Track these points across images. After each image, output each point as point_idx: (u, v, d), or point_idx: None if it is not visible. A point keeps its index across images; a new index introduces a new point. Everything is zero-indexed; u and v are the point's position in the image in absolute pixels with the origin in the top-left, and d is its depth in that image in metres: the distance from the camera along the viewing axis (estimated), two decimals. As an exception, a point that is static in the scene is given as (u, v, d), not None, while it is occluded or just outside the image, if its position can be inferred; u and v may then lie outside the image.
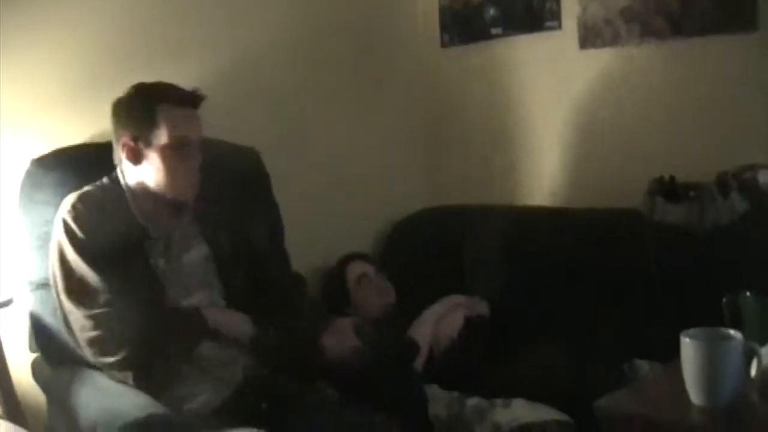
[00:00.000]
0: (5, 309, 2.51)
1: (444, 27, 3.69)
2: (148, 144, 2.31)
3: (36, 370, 2.60)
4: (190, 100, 2.34)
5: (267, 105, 3.22)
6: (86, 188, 2.39)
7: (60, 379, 2.45)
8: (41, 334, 2.54)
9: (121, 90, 2.69)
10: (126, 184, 2.39)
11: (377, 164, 3.62)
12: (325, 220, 3.31)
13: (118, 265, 2.26)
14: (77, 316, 2.27)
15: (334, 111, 3.48)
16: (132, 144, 2.33)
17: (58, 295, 2.32)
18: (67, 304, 2.29)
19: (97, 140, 2.78)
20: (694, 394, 1.74)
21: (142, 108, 2.32)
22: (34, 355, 2.62)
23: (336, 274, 3.21)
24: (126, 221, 2.34)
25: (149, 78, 2.83)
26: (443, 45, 3.70)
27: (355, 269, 3.19)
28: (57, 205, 2.54)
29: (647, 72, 3.12)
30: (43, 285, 2.53)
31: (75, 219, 2.29)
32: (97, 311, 2.25)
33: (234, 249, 2.47)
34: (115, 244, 2.28)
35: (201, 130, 2.38)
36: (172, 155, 2.31)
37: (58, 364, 2.50)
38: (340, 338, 2.49)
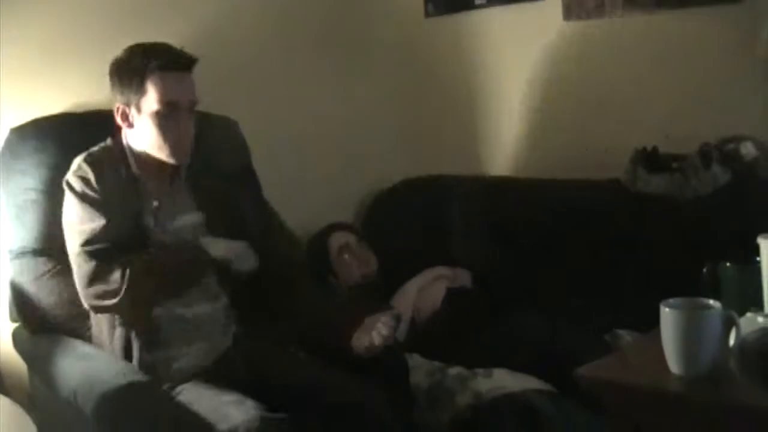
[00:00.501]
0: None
1: (427, -4, 3.67)
2: (139, 110, 2.33)
3: (17, 340, 2.59)
4: (180, 63, 2.33)
5: (243, 75, 3.20)
6: (92, 149, 2.41)
7: (40, 347, 2.46)
8: (21, 303, 2.54)
9: (100, 60, 2.67)
10: (127, 143, 2.41)
11: (359, 134, 3.61)
12: (307, 190, 3.30)
13: (114, 223, 2.29)
14: (80, 261, 2.29)
15: (314, 81, 3.46)
16: (125, 109, 2.35)
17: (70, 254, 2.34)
18: (74, 257, 2.31)
19: (76, 110, 2.77)
20: (673, 363, 1.75)
21: (132, 74, 2.32)
22: (14, 325, 2.61)
23: (318, 244, 3.20)
24: (124, 179, 2.36)
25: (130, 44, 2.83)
26: (427, 14, 3.67)
27: (338, 239, 3.18)
28: (35, 175, 2.55)
29: (631, 44, 3.11)
30: (23, 253, 2.53)
31: (79, 177, 2.32)
32: (98, 247, 2.27)
33: (225, 219, 2.48)
34: (113, 199, 2.31)
35: (193, 93, 2.37)
36: (162, 121, 2.31)
37: (39, 333, 2.51)
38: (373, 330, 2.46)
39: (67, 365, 2.29)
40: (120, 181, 2.35)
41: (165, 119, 2.31)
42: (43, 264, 2.54)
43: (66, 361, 2.30)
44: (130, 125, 2.36)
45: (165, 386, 2.26)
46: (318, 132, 3.45)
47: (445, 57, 3.65)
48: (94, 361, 2.27)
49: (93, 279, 2.27)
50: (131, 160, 2.38)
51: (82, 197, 2.31)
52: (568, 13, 3.22)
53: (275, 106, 3.30)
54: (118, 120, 2.38)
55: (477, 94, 3.58)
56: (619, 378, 1.81)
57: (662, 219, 2.79)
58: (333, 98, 3.53)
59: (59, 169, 2.55)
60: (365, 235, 3.31)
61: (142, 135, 2.35)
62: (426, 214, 3.42)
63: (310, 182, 3.36)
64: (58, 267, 2.51)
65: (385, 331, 2.38)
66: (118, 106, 2.37)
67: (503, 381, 2.49)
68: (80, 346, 2.37)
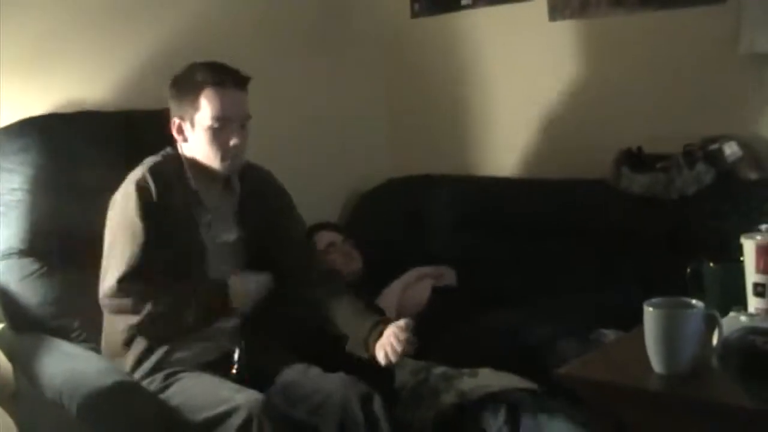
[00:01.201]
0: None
1: (414, -3, 3.68)
2: (193, 124, 2.40)
3: (2, 339, 2.59)
4: (233, 81, 2.40)
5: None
6: (153, 158, 2.43)
7: (26, 347, 2.45)
8: (7, 303, 2.54)
9: (87, 59, 2.68)
10: (184, 155, 2.45)
11: (345, 134, 3.62)
12: (293, 189, 3.29)
13: (171, 233, 2.33)
14: (114, 292, 2.30)
15: (300, 80, 3.46)
16: (180, 122, 2.42)
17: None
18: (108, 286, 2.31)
19: (63, 110, 2.77)
20: (656, 362, 1.76)
21: (188, 90, 2.39)
22: (0, 325, 2.61)
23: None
24: (185, 193, 2.41)
25: (115, 47, 2.83)
26: (413, 15, 3.68)
27: (323, 238, 3.18)
28: (22, 173, 2.54)
29: (616, 44, 3.14)
30: (9, 254, 2.53)
31: (144, 188, 2.33)
32: (133, 286, 2.29)
33: (265, 232, 2.52)
34: (174, 213, 2.36)
35: (246, 110, 2.44)
36: (214, 135, 2.38)
37: (24, 333, 2.50)
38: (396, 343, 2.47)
39: (52, 365, 2.29)
40: (181, 195, 2.39)
41: (217, 133, 2.38)
42: (29, 264, 2.54)
43: (51, 361, 2.30)
44: (185, 139, 2.43)
45: (165, 372, 2.27)
46: (304, 131, 3.46)
47: (432, 57, 3.66)
48: (79, 361, 2.28)
49: (120, 311, 2.31)
50: (189, 173, 2.43)
51: (143, 210, 2.32)
52: (554, 13, 3.24)
53: (261, 105, 3.28)
54: (174, 133, 2.43)
55: (463, 94, 3.58)
56: (601, 376, 1.82)
57: (647, 219, 2.80)
58: (319, 98, 3.54)
59: (46, 168, 2.56)
60: (350, 234, 3.32)
61: (196, 148, 2.41)
62: (411, 213, 3.44)
63: (296, 181, 3.34)
64: (45, 268, 2.52)
65: (399, 349, 2.39)
66: (174, 120, 2.42)
67: (488, 380, 2.49)
68: (65, 346, 2.37)
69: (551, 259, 3.01)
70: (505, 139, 3.47)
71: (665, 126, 3.00)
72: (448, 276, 3.14)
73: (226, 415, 2.07)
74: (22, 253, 2.55)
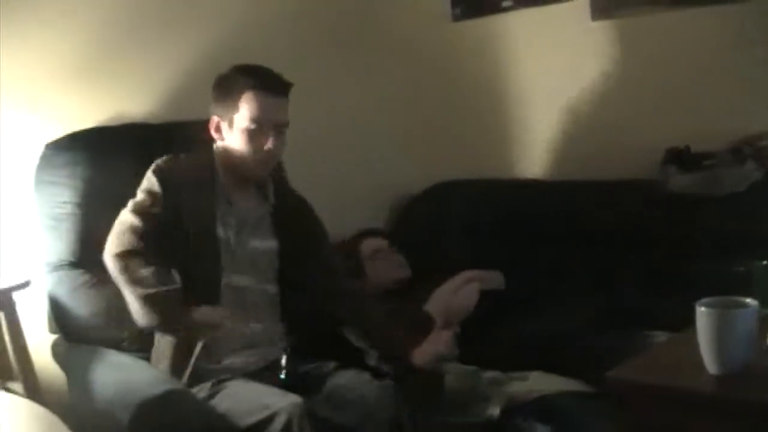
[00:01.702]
0: (23, 291, 2.53)
1: (455, 1, 3.66)
2: (231, 124, 2.44)
3: (56, 351, 2.63)
4: (274, 86, 2.44)
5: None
6: (181, 154, 2.49)
7: (78, 358, 2.48)
8: (59, 314, 2.58)
9: (131, 73, 2.70)
10: (218, 157, 2.49)
11: (389, 139, 3.62)
12: (337, 196, 3.31)
13: (182, 225, 2.37)
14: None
15: (343, 87, 3.47)
16: (218, 122, 2.47)
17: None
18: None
19: (110, 123, 2.80)
20: (709, 363, 1.74)
21: (229, 90, 2.44)
22: (53, 336, 2.64)
23: (350, 250, 3.21)
24: (207, 188, 2.44)
25: (158, 60, 2.86)
26: (454, 19, 3.67)
27: (369, 245, 3.19)
28: (71, 187, 2.58)
29: (659, 42, 3.10)
30: (60, 266, 2.57)
31: (156, 174, 2.41)
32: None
33: (298, 246, 2.54)
34: (187, 206, 2.39)
35: (285, 117, 2.46)
36: (250, 137, 2.41)
37: (76, 344, 2.54)
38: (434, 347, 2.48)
39: (104, 375, 2.31)
40: (199, 190, 2.42)
41: (253, 135, 2.41)
42: (79, 276, 2.58)
43: (103, 371, 2.33)
44: (222, 138, 2.47)
45: (211, 382, 2.28)
46: (347, 138, 3.46)
47: (475, 60, 3.65)
48: (130, 371, 2.30)
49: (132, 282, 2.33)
50: (219, 169, 2.47)
51: (160, 178, 2.39)
52: (596, 12, 3.21)
53: (304, 113, 3.30)
54: (212, 131, 2.48)
55: (507, 96, 3.57)
56: (651, 379, 1.80)
57: (695, 218, 2.77)
58: (363, 104, 3.54)
59: (94, 181, 2.59)
60: (396, 240, 3.32)
61: (231, 148, 2.45)
62: (457, 217, 3.42)
63: (340, 188, 3.37)
64: (95, 279, 2.54)
65: (445, 351, 2.42)
66: (213, 118, 2.47)
67: (538, 384, 2.48)
68: (116, 356, 2.39)
69: (598, 262, 2.98)
70: (548, 141, 3.44)
71: (709, 123, 2.96)
72: (496, 279, 3.12)
73: (268, 421, 2.08)
74: (73, 265, 2.59)
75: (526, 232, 3.20)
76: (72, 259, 2.59)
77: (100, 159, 2.63)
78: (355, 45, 3.54)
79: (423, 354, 2.45)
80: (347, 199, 3.39)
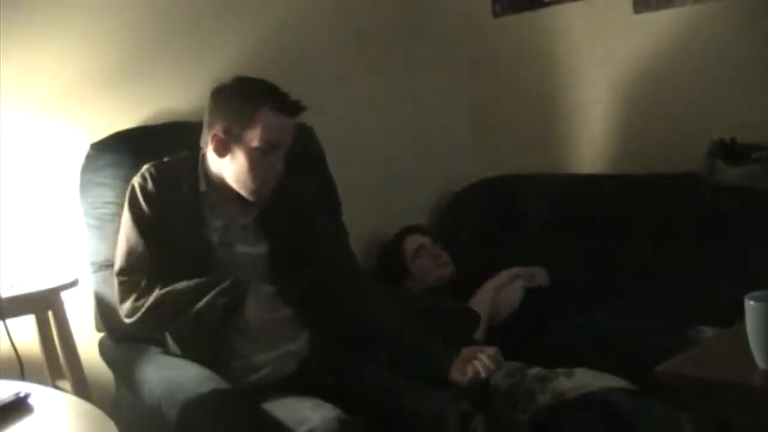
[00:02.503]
0: (71, 290, 2.56)
1: (496, -3, 3.66)
2: (238, 140, 2.29)
3: (102, 349, 2.65)
4: (290, 108, 2.31)
5: (313, 77, 3.22)
6: (165, 159, 2.43)
7: (125, 356, 2.50)
8: (105, 313, 2.59)
9: (172, 72, 2.72)
10: (205, 166, 2.39)
11: (433, 135, 3.62)
12: (382, 193, 3.32)
13: (174, 234, 2.31)
14: (115, 284, 2.35)
15: (386, 83, 3.48)
16: (222, 136, 2.31)
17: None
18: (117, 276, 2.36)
19: (152, 122, 2.83)
20: (759, 357, 1.71)
21: (243, 104, 2.29)
22: (100, 334, 2.67)
23: (393, 247, 3.21)
24: (188, 193, 2.36)
25: (200, 58, 2.88)
26: (495, 14, 3.67)
27: (412, 242, 3.19)
28: (115, 187, 2.60)
29: (703, 33, 3.07)
30: (105, 266, 2.59)
31: (141, 187, 2.35)
32: (131, 278, 2.32)
33: (292, 246, 2.44)
34: (176, 213, 2.33)
35: (291, 137, 2.35)
36: (258, 157, 2.29)
37: (123, 342, 2.55)
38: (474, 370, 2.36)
39: (151, 373, 2.32)
40: (182, 195, 2.36)
41: (261, 156, 2.30)
42: (124, 275, 2.59)
43: (149, 369, 2.34)
44: (222, 154, 2.32)
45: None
46: (392, 134, 3.47)
47: (516, 55, 3.64)
48: (177, 369, 2.30)
49: (120, 301, 2.34)
50: (201, 176, 2.38)
51: (135, 213, 2.34)
52: (638, 5, 3.19)
53: (347, 110, 3.32)
54: (210, 148, 2.33)
55: (549, 91, 3.56)
56: (701, 373, 1.78)
57: (741, 211, 2.73)
58: (406, 100, 3.54)
59: (138, 181, 2.60)
60: (441, 237, 3.31)
61: (231, 165, 2.32)
62: (502, 213, 3.42)
63: (385, 184, 3.38)
64: (139, 278, 2.55)
65: (492, 366, 2.33)
66: (214, 133, 2.31)
67: (584, 380, 2.46)
68: (162, 354, 2.41)
69: (643, 256, 2.96)
70: (592, 136, 3.43)
71: (756, 115, 2.92)
72: (541, 276, 3.11)
73: None
74: (117, 264, 2.60)
75: (571, 227, 3.19)
76: (116, 258, 2.60)
77: (144, 158, 2.64)
78: (397, 43, 3.54)
79: (462, 373, 2.32)
80: (391, 196, 3.40)
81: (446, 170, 3.66)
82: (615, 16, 3.26)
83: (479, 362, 2.27)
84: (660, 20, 3.15)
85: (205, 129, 2.37)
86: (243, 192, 2.34)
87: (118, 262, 2.35)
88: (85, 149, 2.68)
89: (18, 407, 1.72)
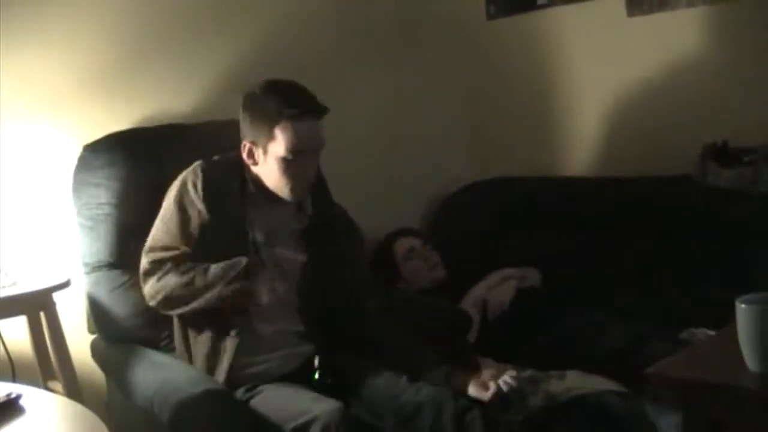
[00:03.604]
0: (63, 291, 2.56)
1: (490, -1, 3.66)
2: (266, 151, 2.35)
3: (95, 350, 2.65)
4: (310, 112, 2.34)
5: (306, 78, 3.20)
6: (215, 157, 2.46)
7: (117, 357, 2.51)
8: (98, 314, 2.60)
9: (168, 74, 2.72)
10: (248, 168, 2.43)
11: (423, 138, 3.62)
12: (374, 195, 3.31)
13: (219, 231, 2.35)
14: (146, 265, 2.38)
15: (378, 85, 3.48)
16: (252, 147, 2.37)
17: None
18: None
19: (147, 124, 2.82)
20: (750, 360, 1.71)
21: (264, 117, 2.33)
22: (92, 336, 2.67)
23: (384, 250, 3.21)
24: (240, 195, 2.41)
25: (195, 60, 2.87)
26: (489, 17, 3.66)
27: (403, 244, 3.19)
28: (109, 188, 2.60)
29: (697, 37, 3.07)
30: (98, 267, 2.59)
31: (192, 182, 2.38)
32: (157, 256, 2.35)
33: (328, 267, 2.48)
34: (224, 211, 2.37)
35: (322, 138, 2.38)
36: (287, 165, 2.34)
37: (115, 343, 2.56)
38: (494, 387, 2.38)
39: (143, 374, 2.33)
40: (231, 194, 2.39)
41: (290, 164, 2.33)
42: (118, 276, 2.60)
43: (142, 370, 2.35)
44: (255, 163, 2.38)
45: (245, 387, 2.29)
46: (385, 136, 3.47)
47: (510, 58, 3.64)
48: (170, 370, 2.31)
49: (144, 279, 2.37)
50: (249, 178, 2.42)
51: (180, 205, 2.37)
52: (632, 8, 3.19)
53: (340, 111, 3.30)
54: (244, 156, 2.39)
55: (543, 94, 3.55)
56: (692, 375, 1.78)
57: (733, 214, 2.74)
58: (398, 102, 3.54)
59: (131, 182, 2.60)
60: (433, 239, 3.31)
61: (264, 172, 2.38)
62: (494, 215, 3.41)
63: (378, 186, 3.37)
64: (133, 279, 2.54)
65: (512, 383, 2.36)
66: (245, 144, 2.38)
67: (576, 382, 2.46)
68: (155, 356, 2.41)
69: (635, 258, 2.96)
70: (585, 138, 3.43)
71: (748, 119, 2.93)
72: (533, 277, 3.11)
73: (306, 426, 2.07)
74: (111, 265, 2.60)
75: (563, 229, 3.19)
76: (110, 259, 2.61)
77: (138, 160, 2.65)
78: (391, 45, 3.54)
79: (480, 389, 2.34)
80: (384, 198, 3.39)
81: (440, 172, 3.66)
82: (609, 18, 3.26)
83: (502, 381, 2.31)
84: (654, 23, 3.15)
85: (241, 135, 2.41)
86: (281, 194, 2.39)
87: (150, 240, 2.38)
88: (78, 151, 2.68)
89: (9, 408, 1.71)
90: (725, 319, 1.79)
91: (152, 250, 2.37)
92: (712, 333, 2.42)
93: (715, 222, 2.78)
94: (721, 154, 2.86)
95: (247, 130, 2.38)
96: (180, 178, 2.41)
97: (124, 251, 2.58)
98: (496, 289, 3.03)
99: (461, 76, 3.74)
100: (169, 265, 2.32)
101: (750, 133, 2.84)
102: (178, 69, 2.95)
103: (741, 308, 1.71)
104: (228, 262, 2.29)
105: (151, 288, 2.35)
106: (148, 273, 2.36)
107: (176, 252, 2.34)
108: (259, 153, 2.36)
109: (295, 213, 2.47)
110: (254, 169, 2.40)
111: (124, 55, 2.84)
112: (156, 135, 2.76)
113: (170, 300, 2.32)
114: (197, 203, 2.35)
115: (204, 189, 2.35)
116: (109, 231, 2.60)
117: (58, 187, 2.69)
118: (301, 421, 2.09)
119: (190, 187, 2.37)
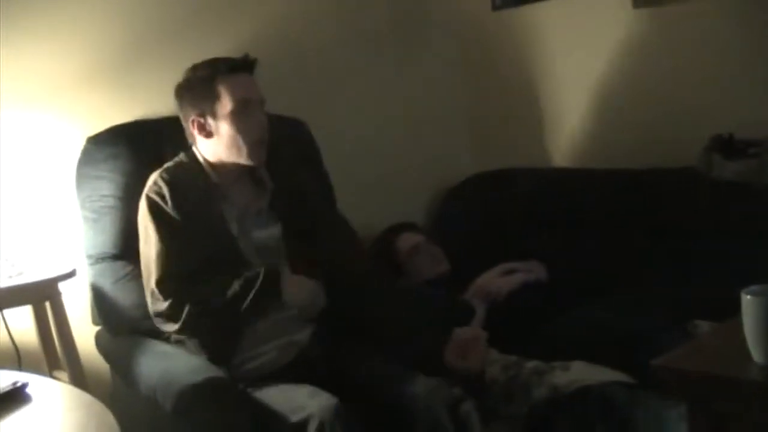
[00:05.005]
0: (69, 281, 2.56)
1: (495, -10, 3.65)
2: (215, 115, 2.42)
3: (99, 341, 2.66)
4: (242, 66, 2.45)
5: (308, 72, 3.22)
6: (166, 165, 2.48)
7: (121, 348, 2.52)
8: (102, 306, 2.61)
9: (170, 66, 2.71)
10: (204, 159, 2.47)
11: (424, 132, 3.61)
12: (375, 188, 3.31)
13: (199, 233, 2.36)
14: (153, 297, 2.37)
15: (379, 78, 3.48)
16: (201, 120, 2.44)
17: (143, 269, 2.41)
18: (147, 289, 2.39)
19: (149, 116, 2.82)
20: (755, 352, 1.71)
21: (203, 84, 2.43)
22: (97, 327, 2.68)
23: (386, 246, 3.19)
24: (205, 190, 2.43)
25: (196, 53, 2.87)
26: (494, 7, 3.65)
27: (407, 241, 3.17)
28: (112, 180, 2.61)
29: (703, 28, 3.06)
30: (102, 258, 2.59)
31: (157, 194, 2.39)
32: (169, 286, 2.33)
33: (303, 226, 2.52)
34: (196, 211, 2.39)
35: (261, 93, 2.48)
36: (239, 119, 2.41)
37: (120, 334, 2.56)
38: (464, 353, 2.42)
39: (146, 364, 2.34)
40: (199, 193, 2.41)
41: (241, 116, 2.40)
42: (121, 268, 2.61)
43: (145, 360, 2.35)
44: (208, 134, 2.44)
45: (243, 384, 2.29)
46: (384, 129, 3.46)
47: (514, 50, 3.63)
48: (173, 360, 2.32)
49: (160, 316, 2.35)
50: (209, 170, 2.45)
51: (157, 222, 2.37)
52: (637, 0, 3.18)
53: (340, 106, 3.31)
54: (195, 133, 2.46)
55: (547, 86, 3.54)
56: (697, 367, 1.78)
57: (738, 206, 2.74)
58: (398, 96, 3.54)
59: (135, 175, 2.60)
60: (436, 231, 3.30)
61: (220, 140, 2.43)
62: (496, 208, 3.41)
63: (379, 180, 3.37)
64: (136, 270, 2.54)
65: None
66: (192, 120, 2.45)
67: (581, 374, 2.46)
68: (159, 346, 2.41)
69: (640, 251, 2.96)
70: (589, 130, 3.42)
71: (753, 111, 2.92)
72: (538, 270, 3.11)
73: (304, 423, 2.08)
74: (115, 257, 2.61)
75: (566, 221, 3.18)
76: (114, 251, 2.62)
77: (141, 152, 2.65)
78: (393, 36, 3.53)
79: (457, 356, 2.39)
80: (385, 191, 3.39)
81: (441, 165, 3.65)
82: (614, 10, 3.25)
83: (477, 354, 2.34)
84: (659, 15, 3.15)
85: (184, 125, 2.49)
86: (242, 159, 2.43)
87: (154, 273, 2.35)
88: (82, 143, 2.68)
89: (16, 397, 1.73)
90: (730, 311, 1.78)
91: (161, 282, 2.34)
92: (717, 325, 2.42)
93: (719, 214, 2.77)
94: (727, 146, 2.85)
95: (189, 108, 2.46)
96: (143, 196, 2.42)
97: (127, 243, 2.58)
98: (500, 279, 3.02)
99: (464, 68, 3.73)
100: (187, 308, 2.30)
101: (756, 125, 2.83)
102: (182, 61, 2.94)
103: (746, 299, 1.71)
104: (246, 275, 2.32)
105: (190, 342, 2.34)
106: (171, 318, 2.33)
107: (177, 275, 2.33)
108: (209, 122, 2.43)
109: (257, 191, 2.51)
110: (210, 147, 2.44)
111: (128, 47, 2.84)
112: (159, 127, 2.76)
113: (192, 326, 2.32)
114: (171, 213, 2.36)
115: (172, 198, 2.37)
116: (113, 223, 2.61)
117: (63, 179, 2.70)
118: (297, 418, 2.10)
119: (158, 200, 2.38)
